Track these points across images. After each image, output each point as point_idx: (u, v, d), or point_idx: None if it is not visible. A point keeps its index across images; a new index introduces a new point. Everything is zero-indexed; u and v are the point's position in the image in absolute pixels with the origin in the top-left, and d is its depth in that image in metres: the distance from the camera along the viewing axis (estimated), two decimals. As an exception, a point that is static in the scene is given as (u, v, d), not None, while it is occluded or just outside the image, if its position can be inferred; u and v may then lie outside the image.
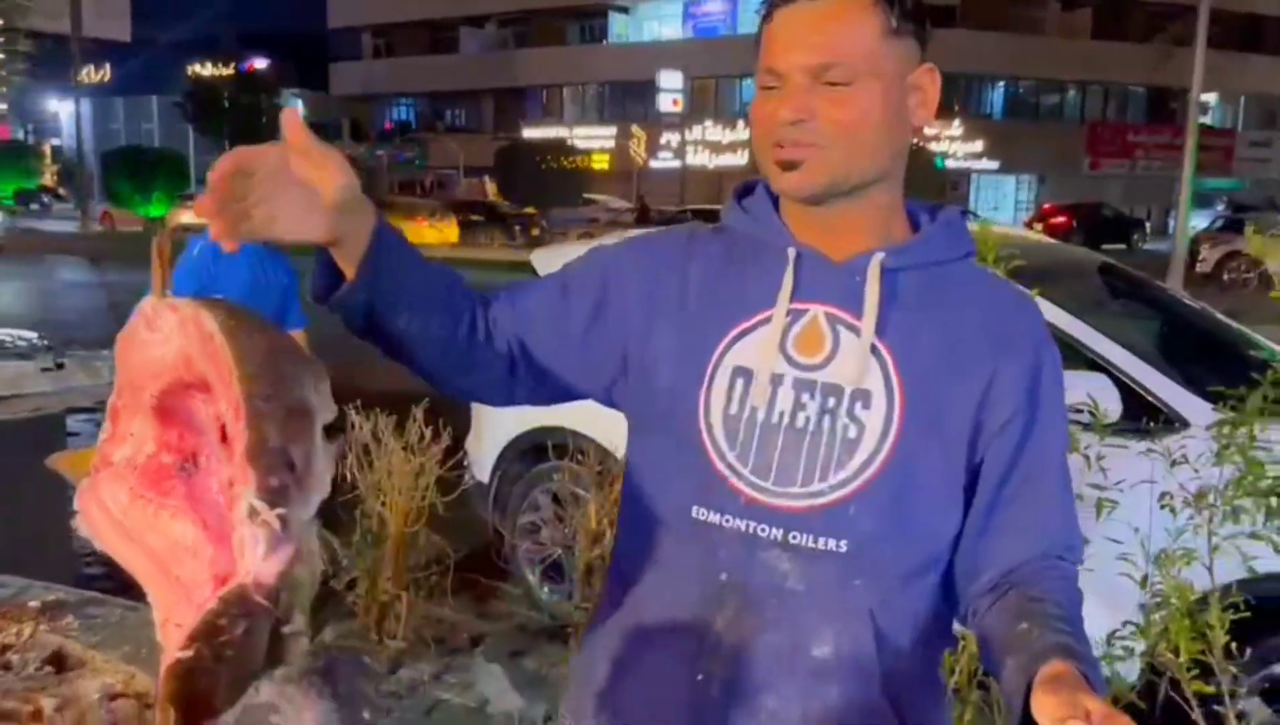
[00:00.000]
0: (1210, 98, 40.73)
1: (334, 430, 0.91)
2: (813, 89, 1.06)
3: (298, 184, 0.96)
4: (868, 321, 1.09)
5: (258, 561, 0.79)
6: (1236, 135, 40.21)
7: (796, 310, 1.11)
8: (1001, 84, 39.60)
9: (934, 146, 32.57)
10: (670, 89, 34.59)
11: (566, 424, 3.87)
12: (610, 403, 1.23)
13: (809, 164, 1.07)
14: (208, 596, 1.06)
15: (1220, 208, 32.86)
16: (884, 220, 1.14)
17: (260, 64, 38.63)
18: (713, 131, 37.40)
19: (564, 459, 3.85)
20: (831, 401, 1.08)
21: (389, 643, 3.46)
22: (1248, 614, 1.87)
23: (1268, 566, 2.02)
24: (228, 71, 37.05)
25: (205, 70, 38.02)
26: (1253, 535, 1.89)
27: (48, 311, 12.29)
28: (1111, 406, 2.63)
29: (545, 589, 4.07)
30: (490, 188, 30.71)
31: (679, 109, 34.48)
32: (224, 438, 0.88)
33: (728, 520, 1.09)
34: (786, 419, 1.09)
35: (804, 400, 1.09)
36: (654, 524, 1.16)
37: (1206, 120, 39.65)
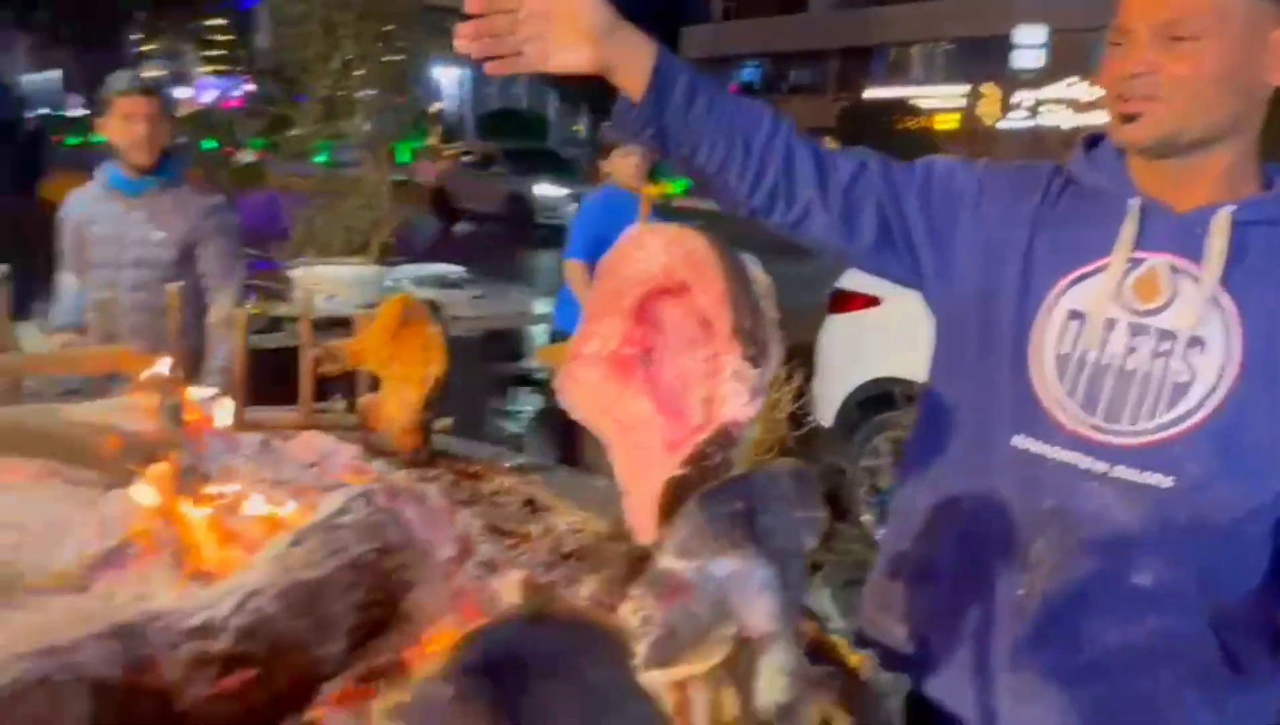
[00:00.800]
0: None
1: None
2: (1157, 44, 1.10)
3: (560, 20, 1.11)
4: (1210, 270, 1.12)
5: (739, 407, 1.10)
6: None
7: (1136, 259, 1.16)
8: None
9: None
10: (1029, 44, 32.53)
11: (908, 375, 4.04)
12: (922, 292, 1.32)
13: (1146, 116, 1.12)
14: (661, 456, 1.41)
15: None
16: (1232, 177, 1.17)
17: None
18: (1076, 89, 34.78)
19: (905, 408, 4.03)
20: (1166, 345, 1.13)
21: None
22: None
23: None
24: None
25: (568, 37, 40.38)
26: None
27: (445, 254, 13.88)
28: None
29: (880, 530, 4.29)
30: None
31: (1039, 65, 32.39)
32: (704, 325, 1.20)
33: (1052, 451, 1.16)
34: (1118, 361, 1.16)
35: (1137, 344, 1.14)
36: (966, 447, 1.25)
37: None
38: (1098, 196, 1.21)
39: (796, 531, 0.72)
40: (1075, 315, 1.17)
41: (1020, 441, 1.19)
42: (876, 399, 4.28)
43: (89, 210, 2.86)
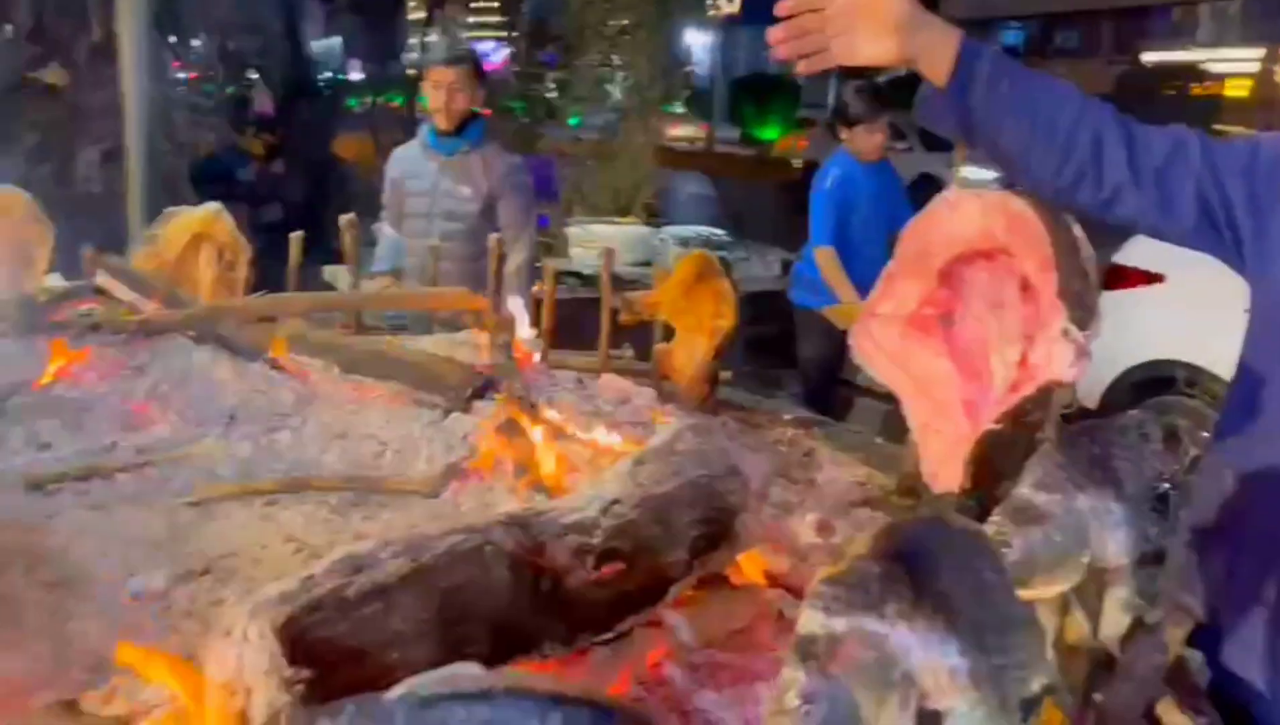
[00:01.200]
0: None
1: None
2: None
3: (866, 14, 1.17)
4: None
5: (1063, 368, 1.14)
6: None
7: None
8: None
9: None
10: (1343, 1, 29.04)
11: (1193, 358, 3.82)
12: (1243, 272, 1.27)
13: None
14: (958, 414, 1.46)
15: None
16: None
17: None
18: (1396, 52, 30.77)
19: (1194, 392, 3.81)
20: None
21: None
22: None
23: None
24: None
25: (821, 0, 39.60)
26: None
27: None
28: None
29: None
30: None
31: (1352, 25, 28.87)
32: (1025, 288, 1.24)
33: None
34: None
35: None
36: (1272, 430, 1.22)
37: None
38: None
39: (1144, 478, 0.77)
40: None
41: None
42: (1154, 382, 4.06)
43: (408, 167, 3.18)
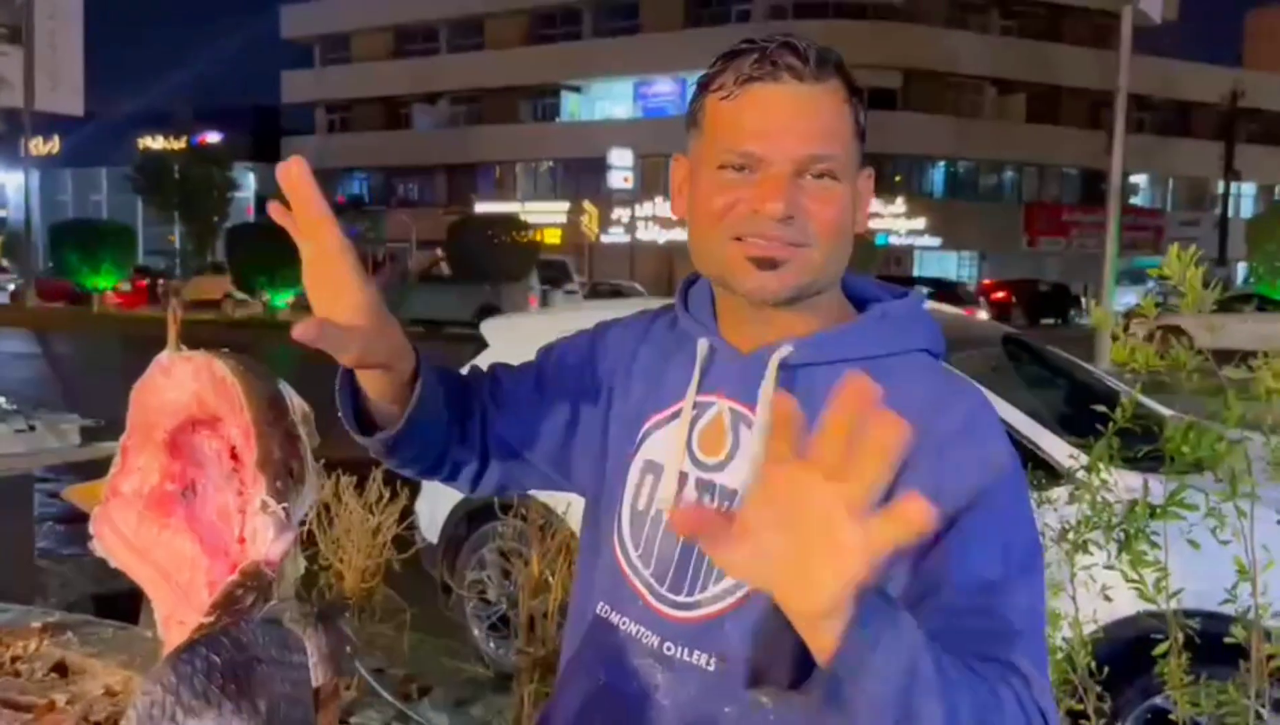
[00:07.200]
0: (1141, 180, 42.61)
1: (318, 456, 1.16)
2: (796, 183, 0.97)
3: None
4: (759, 421, 1.02)
5: (268, 544, 1.03)
6: (1166, 216, 42.11)
7: (705, 403, 1.07)
8: (942, 164, 40.95)
9: (875, 224, 33.61)
10: (621, 166, 35.50)
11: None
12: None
13: (793, 264, 0.98)
14: (204, 599, 1.31)
15: (1151, 285, 33.94)
16: (823, 321, 1.05)
17: (213, 138, 38.76)
18: (662, 207, 38.23)
19: (508, 515, 4.07)
20: (726, 505, 1.03)
21: (343, 693, 3.63)
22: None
23: (1143, 605, 2.27)
24: (179, 144, 37.13)
25: (156, 143, 38.14)
26: (1106, 567, 2.17)
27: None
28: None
29: (491, 643, 4.26)
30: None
31: (630, 186, 35.32)
32: (234, 457, 1.13)
33: (622, 622, 1.07)
34: None
35: (705, 503, 1.04)
36: (577, 614, 1.16)
37: (1137, 201, 41.51)
38: (685, 336, 1.12)
39: (294, 675, 0.68)
40: (651, 468, 1.09)
41: (603, 609, 1.10)
42: (483, 511, 4.28)
43: None
